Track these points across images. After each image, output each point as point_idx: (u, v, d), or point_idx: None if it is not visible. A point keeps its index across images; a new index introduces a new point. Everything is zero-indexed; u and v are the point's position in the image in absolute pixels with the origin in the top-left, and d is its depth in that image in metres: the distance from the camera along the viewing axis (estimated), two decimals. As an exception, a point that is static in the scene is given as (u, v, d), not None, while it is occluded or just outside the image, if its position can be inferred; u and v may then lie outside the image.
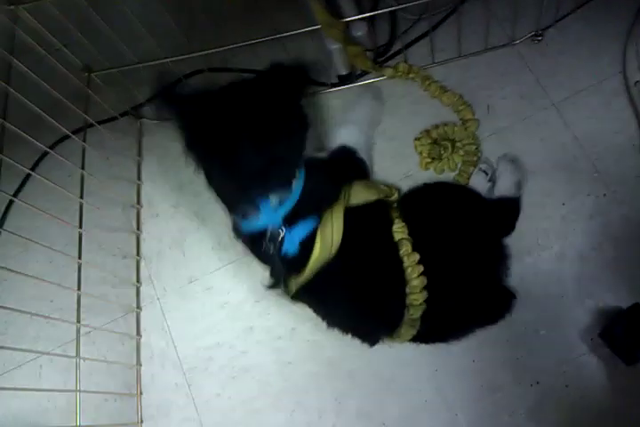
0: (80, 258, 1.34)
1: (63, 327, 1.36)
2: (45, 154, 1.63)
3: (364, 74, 1.52)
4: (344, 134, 1.35)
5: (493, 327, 1.26)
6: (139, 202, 1.58)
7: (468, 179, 1.37)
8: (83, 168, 1.40)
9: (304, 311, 1.23)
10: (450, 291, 1.14)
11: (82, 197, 1.38)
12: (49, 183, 1.23)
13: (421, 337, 1.19)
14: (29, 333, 1.52)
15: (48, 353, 1.44)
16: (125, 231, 1.51)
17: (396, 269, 1.09)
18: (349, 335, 1.22)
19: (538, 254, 1.30)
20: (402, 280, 1.09)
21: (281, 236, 1.06)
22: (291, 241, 1.06)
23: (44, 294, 1.51)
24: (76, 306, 1.29)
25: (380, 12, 1.37)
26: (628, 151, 1.33)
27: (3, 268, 1.12)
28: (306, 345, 1.36)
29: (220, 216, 1.37)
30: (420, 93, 1.48)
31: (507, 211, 1.29)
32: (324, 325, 1.22)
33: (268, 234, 1.07)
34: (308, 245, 1.05)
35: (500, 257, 1.23)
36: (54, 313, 1.29)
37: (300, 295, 1.15)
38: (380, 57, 1.53)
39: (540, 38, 1.43)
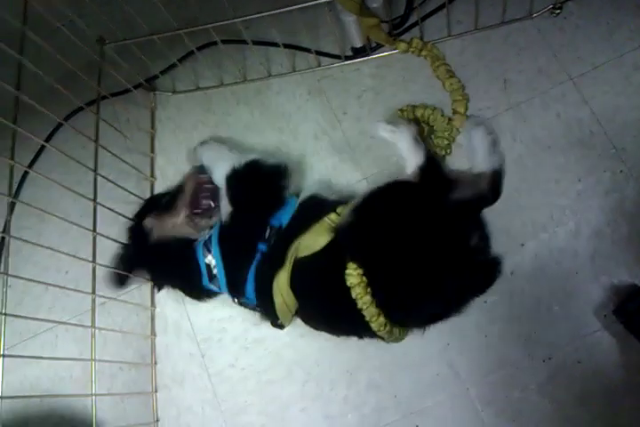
0: (95, 230, 1.35)
1: (78, 298, 1.39)
2: (59, 126, 1.64)
3: (378, 47, 1.50)
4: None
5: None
6: (152, 174, 1.59)
7: None
8: (96, 140, 1.39)
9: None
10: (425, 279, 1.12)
11: (96, 169, 1.38)
12: (63, 155, 1.23)
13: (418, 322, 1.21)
14: (45, 303, 1.55)
15: (64, 323, 1.47)
16: (139, 204, 1.51)
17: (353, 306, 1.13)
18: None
19: (553, 231, 1.29)
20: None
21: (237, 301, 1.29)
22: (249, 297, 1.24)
23: (60, 265, 1.53)
24: (91, 277, 1.31)
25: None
26: (646, 127, 1.31)
27: (18, 238, 1.13)
28: (318, 318, 1.36)
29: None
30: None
31: (490, 185, 1.27)
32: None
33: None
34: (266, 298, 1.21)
35: (479, 235, 1.20)
36: (70, 284, 1.31)
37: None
38: (396, 29, 1.50)
39: (558, 12, 1.40)
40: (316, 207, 1.26)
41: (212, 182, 1.35)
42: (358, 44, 1.49)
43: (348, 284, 1.11)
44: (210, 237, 1.26)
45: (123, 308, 1.48)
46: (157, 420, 1.42)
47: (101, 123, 1.43)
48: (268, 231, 1.22)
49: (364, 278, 1.11)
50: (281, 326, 1.26)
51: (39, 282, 1.17)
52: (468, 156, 1.34)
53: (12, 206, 1.26)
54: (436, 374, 1.29)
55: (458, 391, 1.27)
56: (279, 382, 1.38)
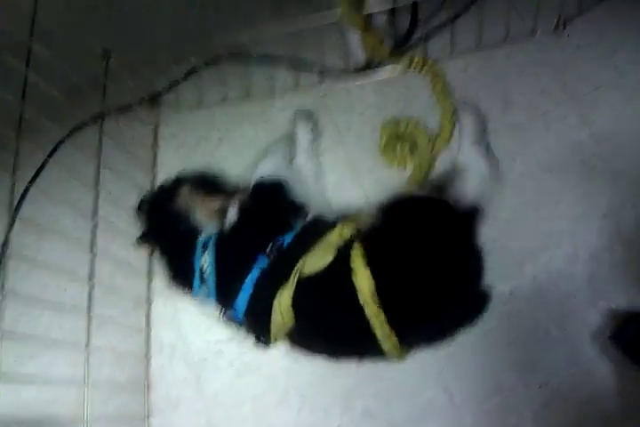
0: (93, 249, 1.35)
1: (75, 317, 1.38)
2: (62, 142, 1.65)
3: (382, 64, 1.51)
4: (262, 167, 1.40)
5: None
6: (154, 190, 1.59)
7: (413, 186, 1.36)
8: (99, 157, 1.40)
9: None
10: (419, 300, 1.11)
11: (97, 185, 1.39)
12: (65, 171, 1.23)
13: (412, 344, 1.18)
14: (42, 322, 1.54)
15: (59, 343, 1.46)
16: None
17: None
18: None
19: (551, 254, 1.28)
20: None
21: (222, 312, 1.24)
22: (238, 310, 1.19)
23: (58, 282, 1.52)
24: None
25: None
26: (646, 151, 1.30)
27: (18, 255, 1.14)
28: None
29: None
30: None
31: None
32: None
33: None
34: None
35: (474, 262, 1.19)
36: (68, 302, 1.31)
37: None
38: (399, 46, 1.51)
39: (561, 31, 1.40)
40: (318, 225, 1.26)
41: None
42: (362, 61, 1.50)
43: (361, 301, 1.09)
44: (210, 238, 1.25)
45: (118, 328, 1.45)
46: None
47: (104, 138, 1.44)
48: (270, 245, 1.21)
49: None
50: (265, 343, 1.22)
51: (35, 305, 1.17)
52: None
53: (11, 223, 1.28)
54: (431, 400, 1.27)
55: (453, 418, 1.25)
56: (274, 407, 1.36)
